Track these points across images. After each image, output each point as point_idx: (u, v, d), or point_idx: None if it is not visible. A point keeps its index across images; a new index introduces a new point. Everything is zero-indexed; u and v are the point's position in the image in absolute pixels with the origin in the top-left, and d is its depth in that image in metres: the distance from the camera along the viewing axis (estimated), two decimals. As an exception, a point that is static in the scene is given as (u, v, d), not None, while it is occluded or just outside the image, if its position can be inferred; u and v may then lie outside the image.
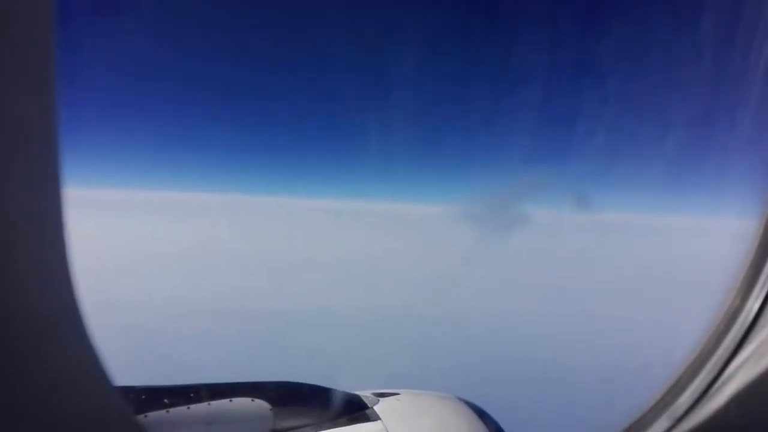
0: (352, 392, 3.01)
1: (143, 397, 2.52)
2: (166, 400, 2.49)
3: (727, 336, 1.37)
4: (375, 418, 2.78)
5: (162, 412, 2.46)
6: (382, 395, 3.02)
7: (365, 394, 3.01)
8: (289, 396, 2.80)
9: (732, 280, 1.43)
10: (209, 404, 2.58)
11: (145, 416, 2.38)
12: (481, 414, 3.02)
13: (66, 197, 0.85)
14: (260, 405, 2.66)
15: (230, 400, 2.63)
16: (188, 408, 2.53)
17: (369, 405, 2.88)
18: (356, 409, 2.84)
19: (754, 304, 1.38)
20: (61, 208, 0.85)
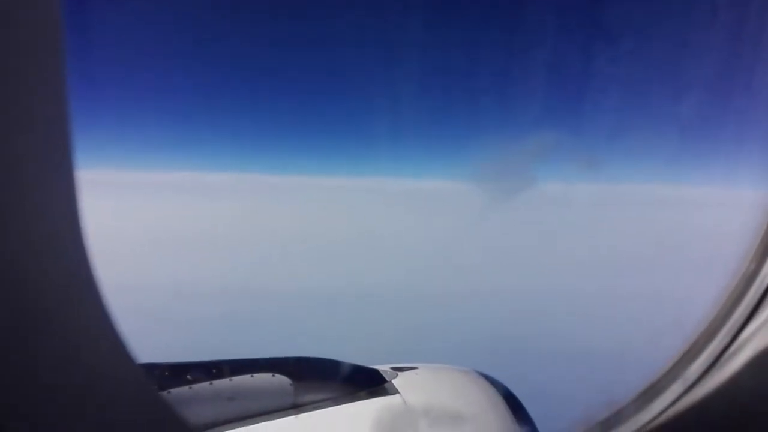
0: (371, 367, 3.04)
1: (166, 373, 2.56)
2: (188, 377, 2.54)
3: (742, 301, 1.37)
4: (394, 391, 2.81)
5: (185, 389, 2.51)
6: (401, 369, 3.05)
7: (384, 368, 3.05)
8: (309, 371, 2.84)
9: (747, 247, 1.43)
10: (231, 380, 2.62)
11: (169, 392, 2.43)
12: (498, 385, 3.04)
13: (78, 176, 0.87)
14: (281, 380, 2.69)
15: (251, 376, 2.67)
16: (210, 384, 2.58)
17: (388, 379, 2.91)
18: (375, 383, 2.87)
19: (770, 268, 1.37)
20: (75, 187, 0.86)
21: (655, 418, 1.28)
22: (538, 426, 2.82)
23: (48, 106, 0.83)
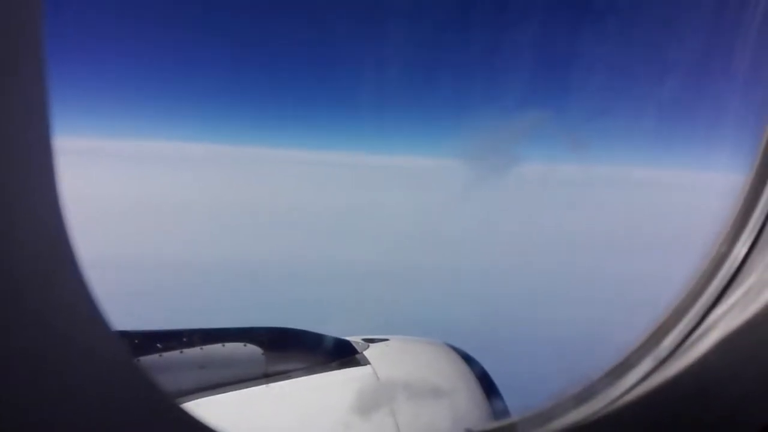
0: (343, 338, 3.05)
1: (136, 341, 2.54)
2: (159, 345, 2.52)
3: (713, 281, 1.38)
4: (365, 362, 2.83)
5: (155, 356, 2.50)
6: (372, 341, 3.07)
7: (355, 339, 3.06)
8: (280, 341, 2.84)
9: (720, 228, 1.44)
10: (202, 348, 2.61)
11: (139, 360, 2.41)
12: (467, 358, 3.08)
13: (55, 144, 0.84)
14: (252, 350, 2.69)
15: (223, 345, 2.66)
16: (181, 352, 2.56)
17: (359, 350, 2.93)
18: (346, 353, 2.88)
19: (741, 250, 1.39)
20: (52, 155, 0.84)
21: (625, 393, 1.30)
22: (508, 400, 2.86)
23: (24, 75, 0.80)
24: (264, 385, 2.62)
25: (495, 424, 1.30)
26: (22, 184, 0.82)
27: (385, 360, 2.87)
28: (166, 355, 2.52)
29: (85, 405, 0.92)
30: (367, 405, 2.57)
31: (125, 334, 2.50)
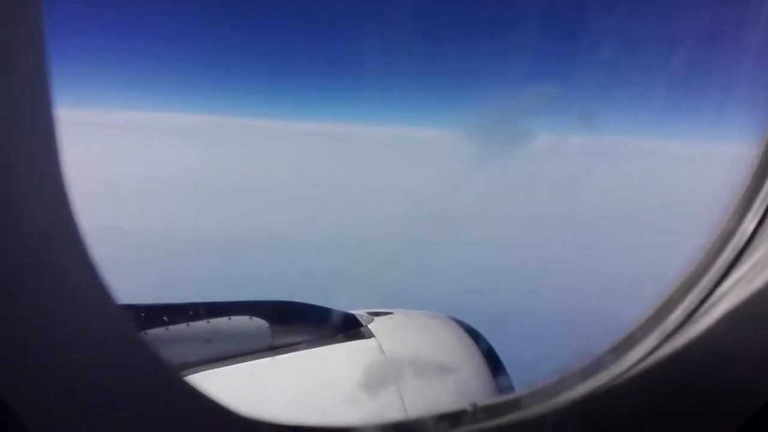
0: (347, 311, 3.06)
1: (142, 315, 2.56)
2: (165, 318, 2.53)
3: (720, 256, 1.37)
4: (369, 335, 2.84)
5: (161, 330, 2.51)
6: (377, 314, 3.08)
7: (360, 313, 3.07)
8: (286, 314, 2.85)
9: (729, 202, 1.42)
10: (208, 322, 2.63)
11: (145, 333, 2.43)
12: (472, 332, 3.09)
13: (58, 116, 0.83)
14: (258, 323, 2.71)
15: (229, 318, 2.67)
16: (187, 325, 2.58)
17: (364, 323, 2.94)
18: (351, 327, 2.89)
19: (749, 224, 1.37)
20: (54, 127, 0.83)
21: (631, 367, 1.30)
22: (514, 374, 2.87)
23: (24, 46, 0.78)
24: (269, 358, 2.64)
25: (500, 399, 1.30)
26: (23, 158, 0.81)
27: (390, 333, 2.88)
28: (173, 328, 2.54)
29: (89, 379, 0.92)
30: (372, 378, 2.58)
31: (132, 308, 2.52)
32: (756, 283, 1.30)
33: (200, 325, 2.61)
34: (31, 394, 0.85)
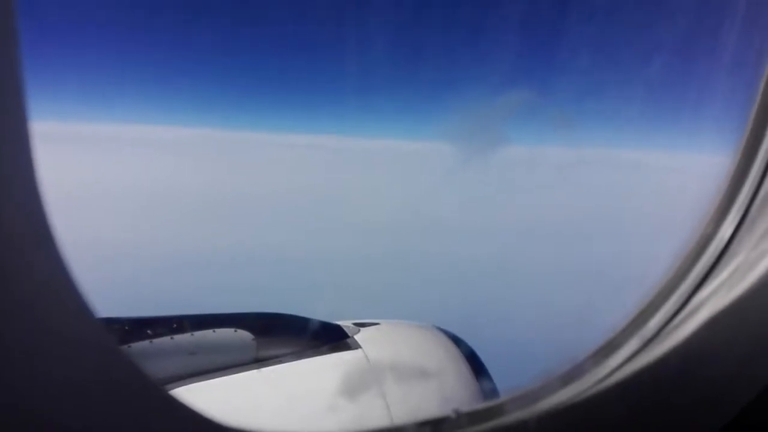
0: (333, 322, 3.06)
1: (126, 328, 2.54)
2: (149, 331, 2.52)
3: (698, 262, 1.39)
4: (356, 346, 2.84)
5: (145, 343, 2.49)
6: (363, 325, 3.07)
7: (346, 323, 3.07)
8: (271, 326, 2.84)
9: (706, 209, 1.45)
10: (192, 335, 2.61)
11: (129, 347, 2.41)
12: (456, 340, 3.10)
13: (32, 127, 0.82)
14: (243, 335, 2.69)
15: (213, 331, 2.66)
16: (171, 338, 2.56)
17: (349, 334, 2.93)
18: (337, 338, 2.89)
19: (726, 231, 1.40)
20: (29, 137, 0.82)
21: (611, 373, 1.31)
22: (498, 381, 2.89)
23: None
24: (255, 370, 2.63)
25: (484, 405, 1.31)
26: None
27: (376, 343, 2.88)
28: (157, 341, 2.52)
29: (70, 394, 0.91)
30: (358, 388, 2.58)
31: (115, 321, 2.50)
32: (734, 290, 1.32)
33: (184, 338, 2.59)
34: (8, 411, 0.84)
